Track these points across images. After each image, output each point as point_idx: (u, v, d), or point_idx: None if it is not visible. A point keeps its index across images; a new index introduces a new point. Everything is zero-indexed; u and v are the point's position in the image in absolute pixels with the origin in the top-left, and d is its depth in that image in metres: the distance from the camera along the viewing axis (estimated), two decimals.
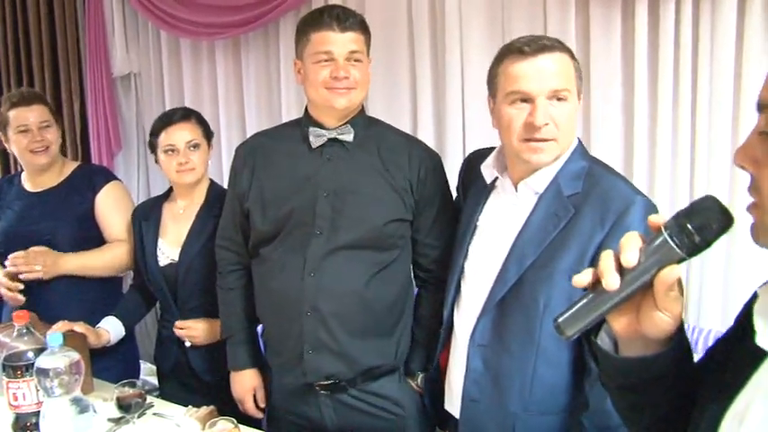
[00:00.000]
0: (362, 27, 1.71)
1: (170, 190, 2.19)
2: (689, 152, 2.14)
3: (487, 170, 1.57)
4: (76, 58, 3.34)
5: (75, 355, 1.53)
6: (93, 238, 2.25)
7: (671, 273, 0.75)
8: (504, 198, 1.55)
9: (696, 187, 2.15)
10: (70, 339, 1.81)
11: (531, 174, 1.48)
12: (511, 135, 1.45)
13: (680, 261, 0.76)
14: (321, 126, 1.74)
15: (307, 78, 1.71)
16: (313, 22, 1.68)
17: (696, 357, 0.90)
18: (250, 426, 1.73)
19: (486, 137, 1.99)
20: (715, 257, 2.12)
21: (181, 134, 2.03)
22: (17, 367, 1.60)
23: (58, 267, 2.15)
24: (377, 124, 1.84)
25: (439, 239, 1.76)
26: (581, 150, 1.51)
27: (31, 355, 1.59)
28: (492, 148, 1.62)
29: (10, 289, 2.12)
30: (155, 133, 2.06)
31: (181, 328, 2.05)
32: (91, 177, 2.29)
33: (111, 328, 2.09)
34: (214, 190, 2.14)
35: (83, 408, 1.51)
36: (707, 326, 2.13)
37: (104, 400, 1.82)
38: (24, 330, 1.63)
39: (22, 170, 2.33)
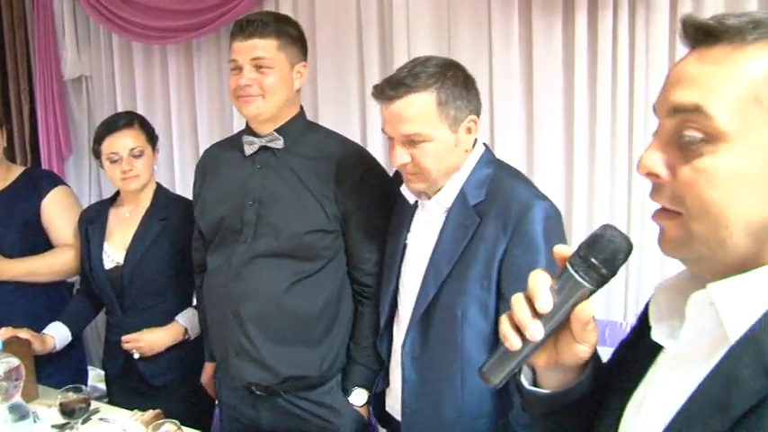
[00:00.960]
0: (276, 32, 1.67)
1: (117, 194, 2.19)
2: (627, 152, 2.22)
3: (406, 192, 1.59)
4: (26, 61, 3.29)
5: (15, 361, 1.52)
6: (39, 243, 2.23)
7: (585, 311, 0.76)
8: (423, 217, 1.59)
9: (634, 188, 2.23)
10: (14, 346, 1.81)
11: (438, 191, 1.52)
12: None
13: (591, 294, 0.77)
14: (255, 134, 1.76)
15: (228, 88, 1.75)
16: (231, 32, 1.70)
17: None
18: (197, 428, 1.74)
19: None
20: (651, 258, 2.20)
21: (123, 142, 2.02)
22: None
23: (2, 273, 2.13)
24: (316, 131, 1.83)
25: (373, 252, 1.74)
26: (486, 158, 1.54)
27: None
28: None
29: None
30: (98, 141, 2.05)
31: (127, 342, 2.04)
32: (36, 182, 2.26)
33: (56, 334, 2.07)
34: (161, 194, 2.15)
35: (22, 414, 1.50)
36: (616, 318, 2.25)
37: (48, 406, 1.81)
38: None
39: None
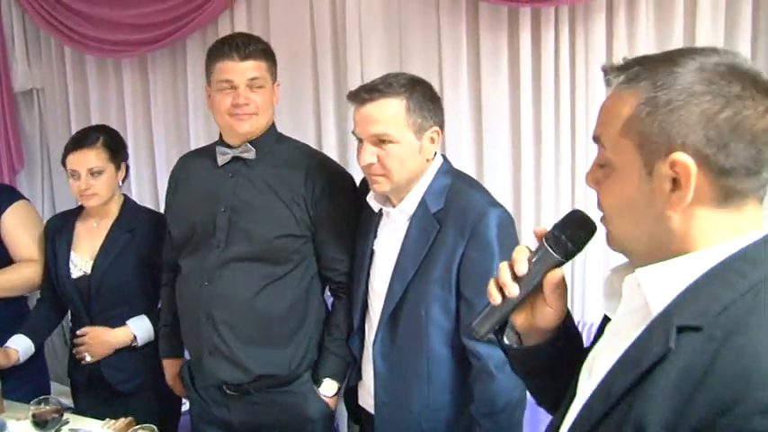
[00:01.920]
0: (265, 54, 1.81)
1: (82, 205, 2.22)
2: (569, 161, 2.37)
3: (372, 201, 1.72)
4: None
5: None
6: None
7: (555, 275, 0.97)
8: (388, 224, 1.71)
9: (577, 194, 2.37)
10: None
11: (402, 199, 1.64)
12: (361, 169, 1.65)
13: (560, 264, 0.97)
14: (228, 146, 1.85)
15: (213, 105, 1.82)
16: (216, 53, 1.79)
17: None
18: None
19: None
20: (595, 260, 2.35)
21: (83, 160, 2.06)
22: None
23: None
24: (285, 142, 1.94)
25: (344, 253, 1.85)
26: (445, 168, 1.68)
27: None
28: None
29: None
30: (64, 155, 2.10)
31: (80, 343, 2.09)
32: None
33: (19, 347, 2.09)
34: (128, 206, 2.20)
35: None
36: (590, 320, 2.36)
37: (17, 419, 1.83)
38: None
39: None
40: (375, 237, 1.74)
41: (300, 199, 1.81)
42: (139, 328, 2.12)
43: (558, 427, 0.96)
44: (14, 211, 2.25)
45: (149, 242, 2.10)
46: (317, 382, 1.89)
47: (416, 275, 1.60)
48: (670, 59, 0.82)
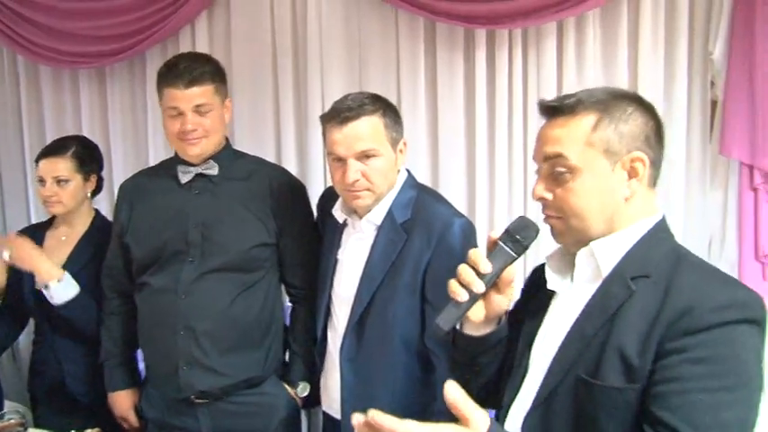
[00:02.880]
0: (211, 77, 1.83)
1: (54, 217, 2.23)
2: (522, 171, 2.49)
3: (337, 213, 1.79)
4: None
5: None
6: None
7: (510, 272, 1.16)
8: (354, 234, 1.78)
9: (528, 198, 2.48)
10: None
11: (369, 211, 1.72)
12: (336, 187, 1.71)
13: (513, 261, 1.14)
14: (188, 163, 1.89)
15: (164, 128, 1.87)
16: (162, 79, 1.83)
17: None
18: None
19: None
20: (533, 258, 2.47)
21: (50, 168, 2.09)
22: None
23: None
24: (243, 157, 2.00)
25: (304, 262, 1.93)
26: (410, 182, 1.77)
27: None
28: None
29: None
30: (36, 160, 2.13)
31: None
32: None
33: None
34: (98, 220, 2.22)
35: None
36: None
37: None
38: None
39: None
40: (339, 247, 1.81)
41: (268, 209, 1.89)
42: (67, 285, 2.03)
43: (513, 399, 1.16)
44: None
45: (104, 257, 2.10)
46: (293, 384, 1.95)
47: (384, 282, 1.68)
48: (591, 92, 1.14)
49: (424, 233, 1.66)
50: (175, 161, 1.94)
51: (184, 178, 1.90)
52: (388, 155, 1.69)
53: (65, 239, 2.17)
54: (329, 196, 1.87)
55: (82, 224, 2.18)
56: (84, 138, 2.29)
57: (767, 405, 1.05)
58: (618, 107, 1.11)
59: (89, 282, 2.08)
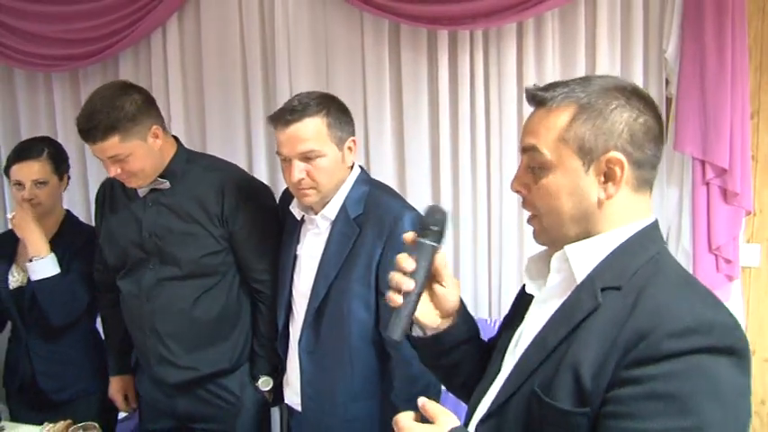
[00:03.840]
0: (114, 128, 1.77)
1: None
2: (485, 167, 2.55)
3: (294, 209, 1.85)
4: None
5: None
6: None
7: (440, 258, 1.14)
8: (311, 230, 1.84)
9: (493, 192, 2.56)
10: None
11: (324, 206, 1.78)
12: (288, 184, 1.78)
13: (438, 250, 1.13)
14: None
15: None
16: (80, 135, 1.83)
17: None
18: None
19: None
20: (510, 262, 2.54)
21: (28, 172, 2.13)
22: None
23: None
24: (196, 162, 2.01)
25: (260, 261, 1.97)
26: (362, 178, 1.83)
27: None
28: None
29: None
30: (7, 164, 2.16)
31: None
32: None
33: None
34: (69, 221, 2.27)
35: None
36: (483, 316, 2.59)
37: None
38: None
39: None
40: (298, 242, 1.87)
41: (214, 217, 1.93)
42: (51, 264, 2.10)
43: (479, 402, 1.12)
44: None
45: (87, 257, 2.17)
46: (255, 378, 2.03)
47: (339, 275, 1.74)
48: (586, 81, 1.03)
49: (376, 227, 1.72)
50: None
51: (141, 192, 1.97)
52: (333, 154, 1.73)
53: None
54: (289, 194, 1.93)
55: (53, 224, 2.23)
56: (50, 138, 2.33)
57: None
58: (602, 101, 1.00)
59: (59, 283, 2.12)
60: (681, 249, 2.41)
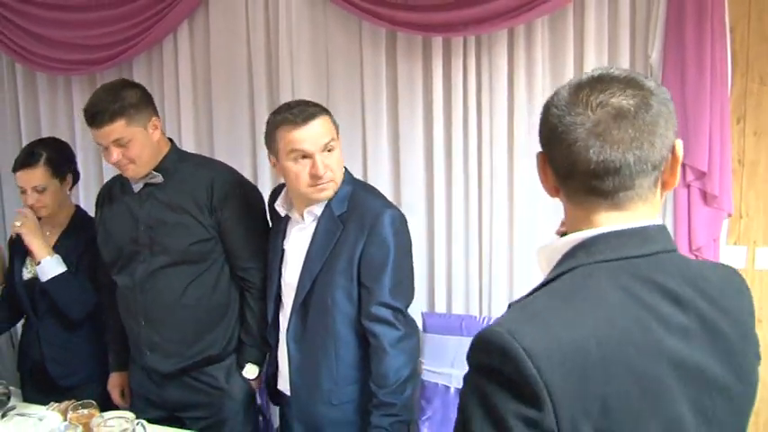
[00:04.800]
0: (120, 113, 1.96)
1: None
2: (476, 170, 2.65)
3: (279, 207, 1.98)
4: None
5: None
6: None
7: None
8: (297, 226, 1.97)
9: (483, 196, 2.66)
10: None
11: (311, 204, 1.90)
12: (299, 184, 1.85)
13: None
14: None
15: None
16: (86, 121, 2.01)
17: None
18: None
19: None
20: (500, 262, 2.65)
21: (27, 179, 2.27)
22: None
23: None
24: (187, 160, 2.18)
25: (247, 251, 2.12)
26: (347, 178, 1.95)
27: None
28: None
29: None
30: (13, 171, 2.31)
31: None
32: None
33: None
34: (78, 216, 2.43)
35: None
36: (473, 313, 2.69)
37: None
38: None
39: None
40: (284, 237, 2.00)
41: (204, 207, 2.07)
42: (57, 263, 2.26)
43: None
44: None
45: (91, 249, 2.31)
46: (241, 367, 2.16)
47: (323, 268, 1.87)
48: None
49: (358, 224, 1.85)
50: None
51: (135, 188, 2.12)
52: (339, 148, 1.89)
53: (48, 234, 2.37)
54: (276, 194, 2.07)
55: (63, 219, 2.39)
56: (52, 140, 2.44)
57: None
58: None
59: (71, 270, 2.29)
60: None
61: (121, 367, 2.33)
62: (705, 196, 2.36)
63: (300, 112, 1.82)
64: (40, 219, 2.36)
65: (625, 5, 2.45)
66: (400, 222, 1.90)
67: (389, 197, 2.26)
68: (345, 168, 1.97)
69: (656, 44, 2.40)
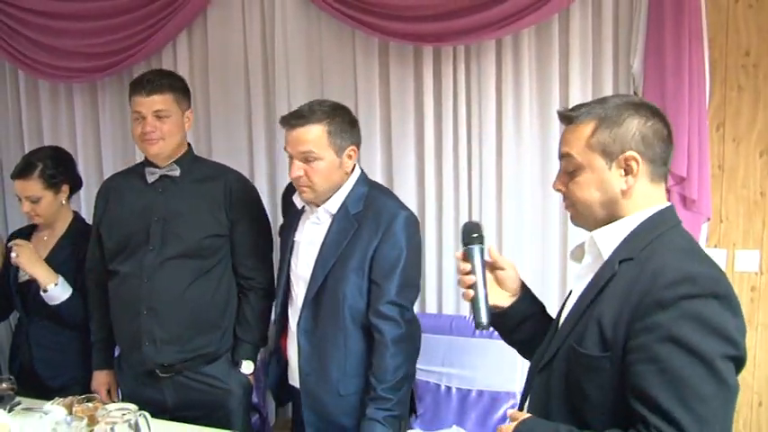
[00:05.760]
0: (171, 88, 2.13)
1: None
2: (466, 173, 2.74)
3: (296, 200, 2.06)
4: None
5: None
6: None
7: (492, 251, 1.52)
8: (311, 219, 2.05)
9: (473, 196, 2.75)
10: None
11: (326, 201, 1.98)
12: (290, 178, 1.98)
13: (483, 250, 1.47)
14: (155, 165, 2.18)
15: (132, 133, 2.17)
16: (132, 88, 2.13)
17: None
18: None
19: None
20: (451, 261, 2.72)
21: (23, 189, 2.34)
22: None
23: None
24: (201, 161, 2.30)
25: (251, 253, 2.21)
26: (363, 179, 2.04)
27: None
28: None
29: None
30: (12, 178, 2.37)
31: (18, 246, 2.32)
32: None
33: None
34: (76, 224, 2.48)
35: None
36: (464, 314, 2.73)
37: None
38: None
39: None
40: (296, 230, 2.08)
41: (220, 204, 2.17)
42: (63, 288, 2.30)
43: (543, 354, 1.37)
44: None
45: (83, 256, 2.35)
46: (237, 364, 2.23)
47: (336, 264, 1.95)
48: (603, 100, 1.33)
49: (373, 223, 1.94)
50: (144, 164, 2.24)
51: (151, 178, 2.19)
52: (330, 159, 1.94)
53: (46, 239, 2.44)
54: (290, 189, 2.14)
55: (61, 225, 2.44)
56: (51, 150, 2.47)
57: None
58: (616, 113, 1.27)
59: (67, 277, 2.34)
60: None
61: (108, 365, 2.34)
62: (685, 200, 2.45)
63: (297, 116, 1.93)
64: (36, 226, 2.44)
65: (608, 18, 2.55)
66: (414, 225, 1.99)
67: None
68: (361, 170, 2.06)
69: (637, 53, 2.50)
